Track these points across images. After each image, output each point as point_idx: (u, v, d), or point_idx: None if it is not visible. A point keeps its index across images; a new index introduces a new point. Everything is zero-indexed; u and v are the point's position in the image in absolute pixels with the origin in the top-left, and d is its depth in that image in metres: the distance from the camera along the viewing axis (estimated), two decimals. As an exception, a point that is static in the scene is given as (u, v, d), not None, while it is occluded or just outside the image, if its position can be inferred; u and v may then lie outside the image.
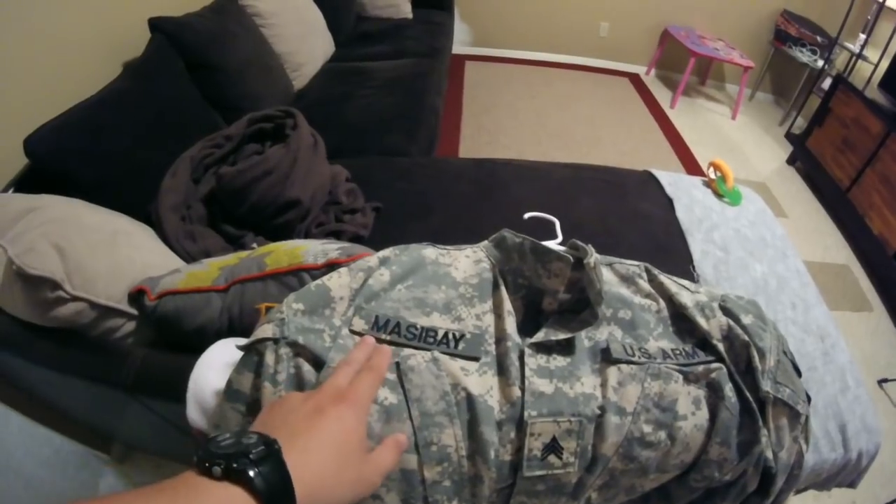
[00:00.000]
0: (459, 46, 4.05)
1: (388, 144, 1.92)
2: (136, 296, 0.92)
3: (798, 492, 1.15)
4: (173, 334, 0.92)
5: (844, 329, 1.32)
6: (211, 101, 1.74)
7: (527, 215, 1.30)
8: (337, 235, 1.32)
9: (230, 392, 0.56)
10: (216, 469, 0.36)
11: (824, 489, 1.14)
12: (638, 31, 4.13)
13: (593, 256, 0.62)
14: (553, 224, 1.23)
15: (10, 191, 1.19)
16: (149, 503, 0.33)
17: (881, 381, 2.00)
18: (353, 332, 0.57)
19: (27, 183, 1.21)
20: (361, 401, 0.47)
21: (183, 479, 0.36)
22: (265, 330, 0.55)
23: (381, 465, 0.47)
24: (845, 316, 2.28)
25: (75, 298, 0.88)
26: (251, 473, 0.35)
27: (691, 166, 3.12)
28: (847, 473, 1.10)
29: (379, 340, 0.57)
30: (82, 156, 1.21)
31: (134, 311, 0.94)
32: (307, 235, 1.33)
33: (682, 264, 1.37)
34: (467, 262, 0.67)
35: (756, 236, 1.49)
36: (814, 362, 1.18)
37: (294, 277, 0.83)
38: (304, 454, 0.40)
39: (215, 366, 0.68)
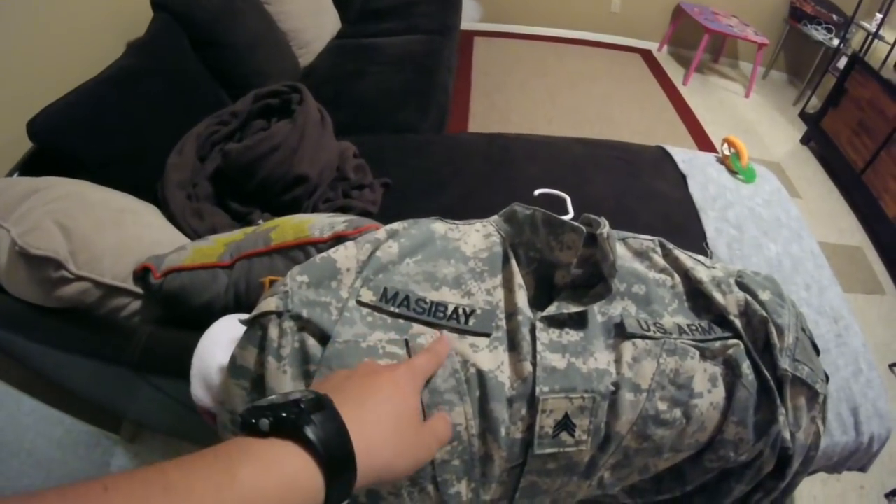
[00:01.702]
0: (468, 22, 3.97)
1: (400, 121, 1.90)
2: (142, 274, 0.91)
3: (809, 474, 1.15)
4: (179, 312, 0.91)
5: (856, 312, 1.30)
6: (217, 79, 1.72)
7: (537, 192, 1.28)
8: (345, 211, 1.30)
9: (234, 368, 0.55)
10: (263, 422, 0.32)
11: (835, 472, 1.13)
12: (651, 7, 4.04)
13: (606, 227, 0.60)
14: (564, 200, 1.21)
15: (16, 175, 1.18)
16: (188, 471, 0.29)
17: (892, 366, 1.98)
18: (360, 303, 0.55)
19: (31, 167, 1.20)
20: (417, 370, 0.47)
21: (226, 444, 0.32)
22: (268, 303, 0.54)
23: (438, 433, 0.46)
24: (857, 299, 2.25)
25: (79, 278, 0.86)
26: (303, 423, 0.32)
27: (704, 145, 3.07)
28: (858, 457, 1.09)
29: (387, 313, 0.55)
30: (87, 136, 1.20)
31: (140, 290, 0.93)
32: (315, 211, 1.31)
33: (696, 242, 1.35)
34: (477, 236, 0.65)
35: (771, 216, 1.46)
36: (827, 345, 1.17)
37: (300, 251, 0.82)
38: (360, 409, 0.37)
39: (220, 342, 0.67)
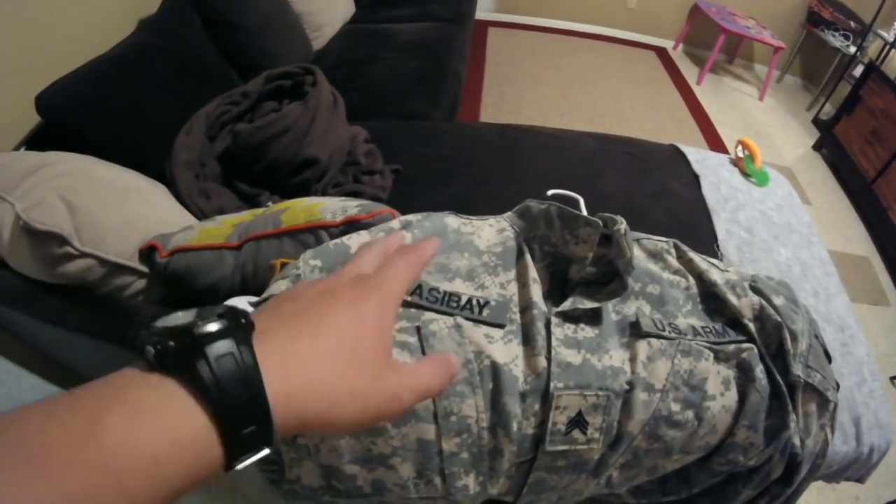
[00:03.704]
0: (483, 12, 3.94)
1: (411, 108, 1.89)
2: (147, 252, 0.90)
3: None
4: (184, 292, 0.90)
5: (860, 322, 1.29)
6: (228, 59, 1.71)
7: (550, 192, 1.27)
8: (355, 196, 1.29)
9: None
10: (148, 349, 0.25)
11: (833, 481, 1.14)
12: (667, 4, 4.00)
13: (624, 224, 0.59)
14: (577, 201, 1.20)
15: (22, 149, 1.17)
16: (49, 418, 0.22)
17: (894, 378, 1.97)
18: None
19: (39, 142, 1.19)
20: (387, 287, 0.35)
21: (108, 378, 0.25)
22: (279, 286, 0.53)
23: (414, 381, 0.34)
24: (862, 309, 2.24)
25: (83, 255, 0.86)
26: (193, 357, 0.24)
27: (716, 145, 3.05)
28: (857, 468, 1.09)
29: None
30: (95, 112, 1.19)
31: (144, 269, 0.93)
32: (324, 195, 1.30)
33: (707, 243, 1.34)
34: (490, 230, 0.65)
35: (782, 220, 1.45)
36: (832, 353, 1.16)
37: (311, 235, 0.81)
38: (293, 340, 0.29)
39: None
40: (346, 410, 0.30)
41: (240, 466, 0.26)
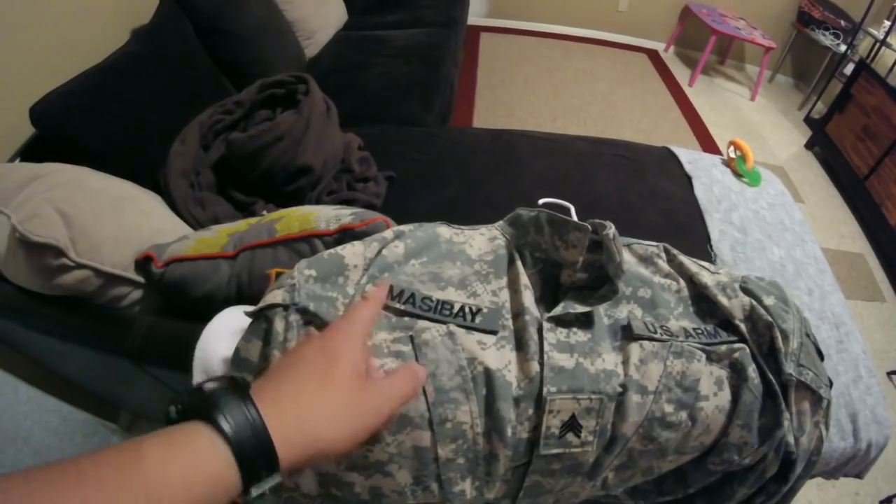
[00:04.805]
0: (475, 17, 3.95)
1: (405, 113, 1.89)
2: (143, 262, 0.90)
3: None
4: (181, 302, 0.91)
5: (856, 319, 1.30)
6: (222, 68, 1.71)
7: (541, 201, 1.28)
8: (348, 204, 1.30)
9: (238, 360, 0.54)
10: (171, 409, 0.33)
11: (832, 478, 1.14)
12: (658, 7, 4.02)
13: (612, 228, 0.60)
14: (568, 210, 1.21)
15: (17, 161, 1.16)
16: (100, 457, 0.29)
17: (891, 373, 1.98)
18: None
19: (33, 153, 1.19)
20: (352, 324, 0.44)
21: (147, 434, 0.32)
22: (275, 296, 0.53)
23: (389, 392, 0.42)
24: (857, 305, 2.25)
25: (80, 266, 0.86)
26: (209, 408, 0.32)
27: (708, 146, 3.07)
28: (855, 464, 1.09)
29: (393, 310, 0.55)
30: (89, 122, 1.18)
31: (141, 279, 0.93)
32: (318, 203, 1.31)
33: (700, 243, 1.34)
34: (482, 239, 0.66)
35: (775, 219, 1.46)
36: (828, 350, 1.17)
37: (305, 244, 0.81)
38: (278, 387, 0.36)
39: (223, 334, 0.66)
40: (338, 430, 0.36)
41: (255, 493, 0.32)
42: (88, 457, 0.28)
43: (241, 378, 0.36)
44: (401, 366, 0.47)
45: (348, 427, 0.37)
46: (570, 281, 0.61)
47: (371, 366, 0.44)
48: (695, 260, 0.75)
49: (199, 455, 0.30)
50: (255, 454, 0.32)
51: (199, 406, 0.32)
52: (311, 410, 0.36)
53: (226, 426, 0.31)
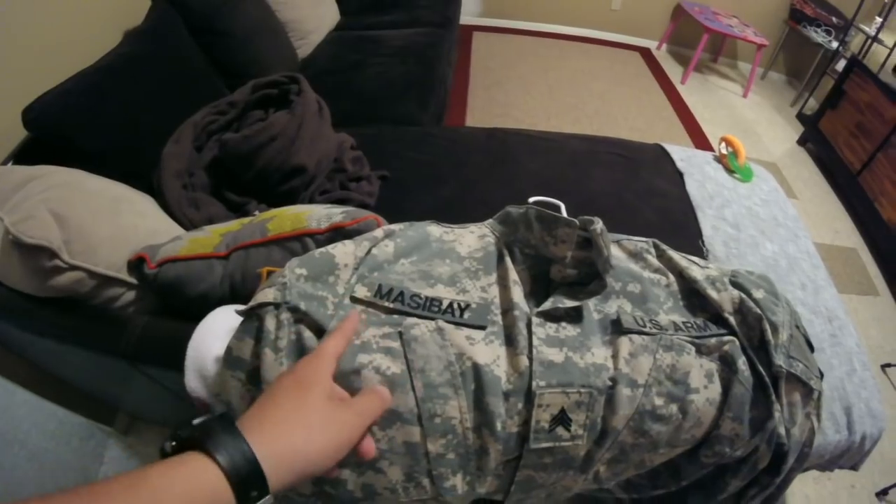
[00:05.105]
0: (468, 17, 3.95)
1: (400, 113, 1.89)
2: (136, 263, 0.90)
3: (801, 471, 1.15)
4: (175, 302, 0.90)
5: (850, 313, 1.30)
6: (215, 68, 1.71)
7: (532, 199, 1.28)
8: (342, 203, 1.30)
9: (230, 359, 0.54)
10: (167, 445, 0.37)
11: (827, 470, 1.14)
12: (651, 5, 4.03)
13: (599, 223, 0.60)
14: (559, 207, 1.21)
15: (10, 164, 1.16)
16: (109, 478, 0.33)
17: (885, 366, 1.99)
18: (354, 299, 0.55)
19: (26, 156, 1.18)
20: (320, 357, 0.47)
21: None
22: (266, 294, 0.53)
23: (360, 409, 0.46)
24: (851, 300, 2.26)
25: (73, 267, 0.85)
26: (202, 437, 0.36)
27: (702, 143, 3.07)
28: (850, 456, 1.10)
29: (382, 308, 0.55)
30: (83, 124, 1.18)
31: (134, 280, 0.93)
32: (311, 203, 1.30)
33: (693, 239, 1.35)
34: (472, 237, 0.67)
35: (768, 215, 1.46)
36: (821, 344, 1.17)
37: (297, 242, 0.81)
38: (260, 416, 0.40)
39: (216, 332, 0.66)
40: (320, 447, 0.41)
41: None
42: (99, 481, 0.32)
43: (227, 413, 0.40)
44: (367, 388, 0.50)
45: (328, 443, 0.41)
46: (560, 277, 0.62)
47: (339, 391, 0.48)
48: (684, 255, 0.75)
49: (197, 475, 0.34)
50: (247, 478, 0.35)
51: (193, 439, 0.36)
52: (293, 433, 0.40)
53: (219, 455, 0.35)
